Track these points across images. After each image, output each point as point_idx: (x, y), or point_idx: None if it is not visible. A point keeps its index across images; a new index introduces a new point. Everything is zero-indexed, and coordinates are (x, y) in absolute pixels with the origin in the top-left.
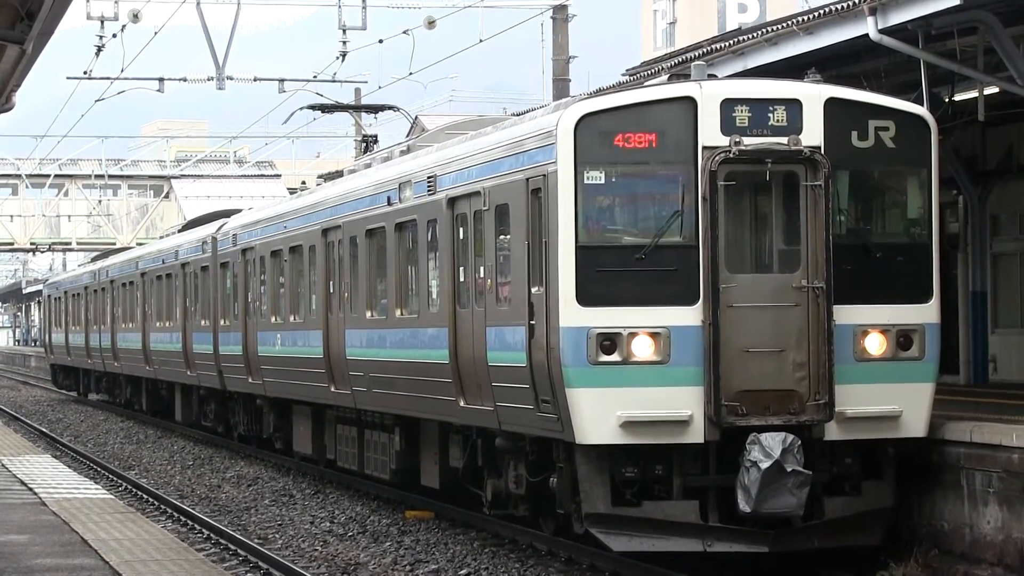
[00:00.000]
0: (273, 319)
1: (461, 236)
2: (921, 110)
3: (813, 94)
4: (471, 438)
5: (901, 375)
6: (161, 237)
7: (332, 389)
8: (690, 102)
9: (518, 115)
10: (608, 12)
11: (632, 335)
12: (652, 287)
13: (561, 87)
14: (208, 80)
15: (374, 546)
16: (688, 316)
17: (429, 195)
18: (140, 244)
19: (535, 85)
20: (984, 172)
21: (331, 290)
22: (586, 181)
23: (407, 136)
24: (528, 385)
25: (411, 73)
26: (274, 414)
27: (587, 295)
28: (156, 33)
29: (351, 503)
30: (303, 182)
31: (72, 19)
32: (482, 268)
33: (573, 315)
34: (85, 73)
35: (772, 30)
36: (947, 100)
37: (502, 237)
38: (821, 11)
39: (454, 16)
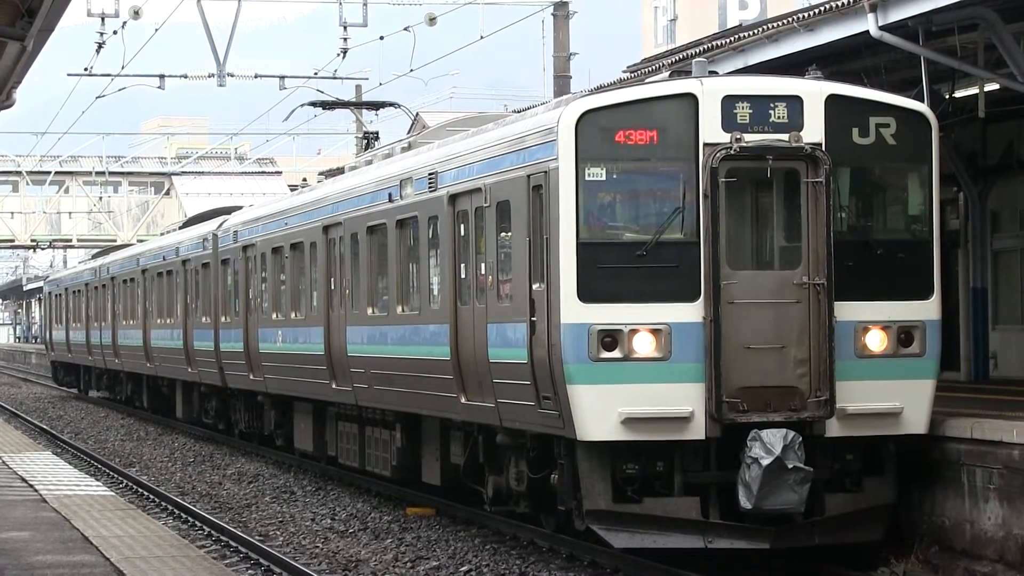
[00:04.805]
0: (274, 316)
1: (462, 233)
2: (922, 107)
3: (814, 91)
4: (472, 435)
5: (902, 372)
6: (162, 234)
7: (333, 386)
8: (691, 99)
9: (519, 112)
10: (609, 9)
11: (633, 332)
12: (653, 284)
13: (562, 84)
14: (209, 77)
15: (375, 543)
16: (689, 313)
17: (430, 192)
18: (141, 241)
19: (536, 82)
20: (984, 169)
21: (332, 287)
22: (587, 178)
23: (408, 133)
24: (529, 382)
25: (412, 70)
26: (275, 411)
27: (588, 292)
28: (157, 30)
29: (352, 500)
30: (304, 179)
31: (73, 16)
32: (483, 265)
33: (574, 312)
34: (86, 70)
35: (773, 27)
36: (948, 97)
37: (503, 234)
38: (822, 8)
39: (455, 13)
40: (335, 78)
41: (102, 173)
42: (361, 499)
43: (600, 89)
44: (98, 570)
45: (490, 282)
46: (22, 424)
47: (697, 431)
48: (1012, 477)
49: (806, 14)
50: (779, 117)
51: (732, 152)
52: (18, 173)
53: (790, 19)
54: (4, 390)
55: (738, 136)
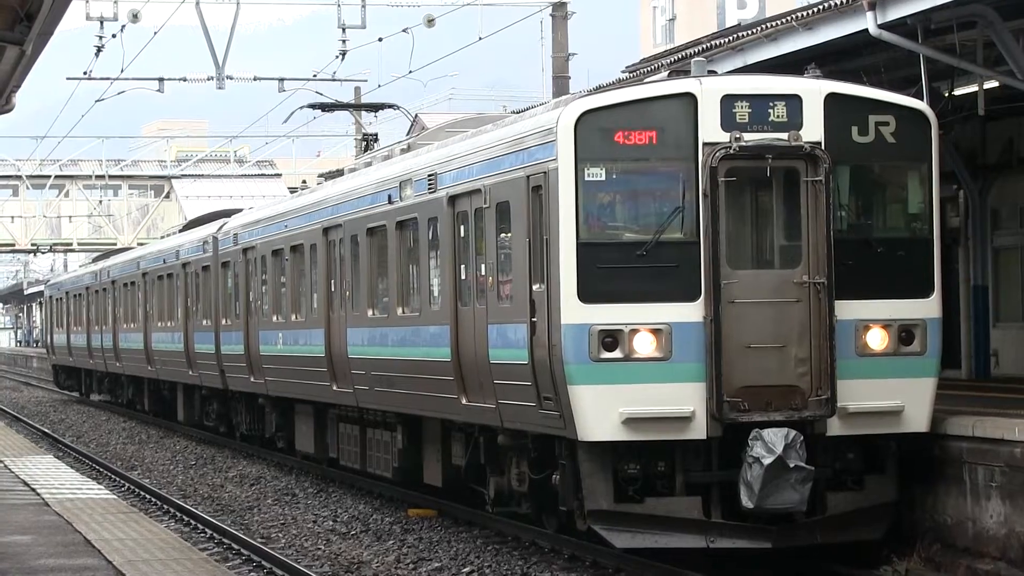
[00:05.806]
0: (275, 318)
1: (462, 234)
2: (921, 105)
3: (813, 89)
4: (473, 436)
5: (903, 370)
6: (162, 237)
7: (334, 388)
8: (690, 98)
9: (518, 113)
10: (607, 9)
11: (634, 332)
12: (653, 283)
13: (561, 84)
14: (208, 80)
15: (377, 544)
16: (690, 312)
17: (430, 193)
18: (141, 244)
19: (535, 83)
20: (984, 166)
21: (332, 289)
22: (587, 178)
23: (407, 134)
24: (530, 382)
25: (411, 71)
26: (276, 413)
27: (588, 292)
28: (155, 33)
29: (354, 501)
30: (303, 181)
31: (72, 20)
32: (483, 266)
33: (575, 312)
34: (85, 74)
35: (771, 26)
36: (947, 95)
37: (503, 235)
38: (820, 6)
39: (453, 14)
40: (334, 80)
41: (102, 177)
42: (363, 501)
43: (599, 89)
44: (100, 573)
45: (490, 283)
46: (24, 428)
47: (698, 431)
48: (1014, 475)
49: (805, 13)
50: (778, 116)
51: (731, 151)
52: (18, 177)
53: (789, 18)
54: (6, 394)
55: (737, 135)
